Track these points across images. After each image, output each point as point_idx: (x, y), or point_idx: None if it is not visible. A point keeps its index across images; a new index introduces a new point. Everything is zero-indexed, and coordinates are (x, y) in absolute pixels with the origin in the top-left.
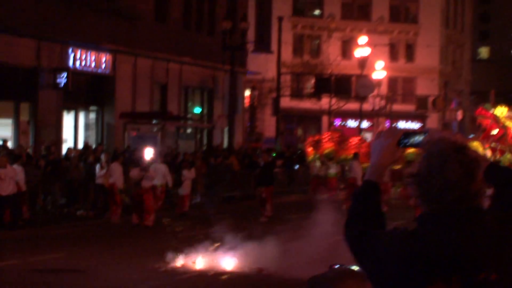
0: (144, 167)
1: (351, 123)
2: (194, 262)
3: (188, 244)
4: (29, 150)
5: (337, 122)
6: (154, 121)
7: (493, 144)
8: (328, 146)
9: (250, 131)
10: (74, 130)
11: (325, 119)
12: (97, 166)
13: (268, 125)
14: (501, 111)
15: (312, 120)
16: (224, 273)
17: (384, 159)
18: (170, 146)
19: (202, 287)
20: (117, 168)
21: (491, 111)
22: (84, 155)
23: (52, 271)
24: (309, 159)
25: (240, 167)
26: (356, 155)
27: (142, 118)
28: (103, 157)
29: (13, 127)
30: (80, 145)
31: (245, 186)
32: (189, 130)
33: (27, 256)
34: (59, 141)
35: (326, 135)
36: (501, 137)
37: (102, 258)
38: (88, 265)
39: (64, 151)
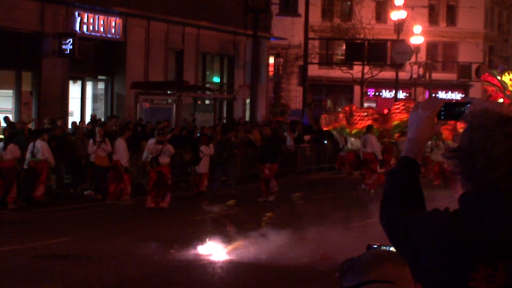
0: (162, 141)
1: (386, 94)
2: (223, 248)
3: (214, 228)
4: (32, 124)
5: (371, 93)
6: (168, 92)
7: None
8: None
9: (275, 102)
10: (81, 101)
11: (357, 89)
12: (90, 142)
13: (294, 96)
14: (509, 78)
15: (342, 90)
16: (249, 261)
17: (423, 133)
18: (186, 119)
19: (230, 276)
20: (121, 144)
21: (498, 78)
22: (92, 130)
23: (57, 257)
24: (335, 130)
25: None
26: (370, 127)
27: (156, 88)
28: (97, 131)
29: (14, 99)
30: (88, 118)
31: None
32: (207, 102)
33: (28, 241)
34: (64, 114)
35: (365, 111)
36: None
37: (112, 243)
38: (97, 251)
39: (70, 125)
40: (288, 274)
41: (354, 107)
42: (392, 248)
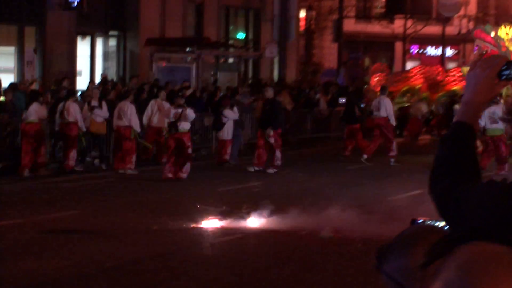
0: (182, 105)
1: (432, 51)
2: (245, 221)
3: (239, 200)
4: (36, 85)
5: (414, 50)
6: (187, 49)
7: None
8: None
9: (306, 61)
10: (90, 60)
11: (398, 46)
12: (85, 106)
13: (328, 53)
14: (505, 32)
15: (382, 47)
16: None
17: (481, 95)
18: (207, 79)
19: (246, 249)
20: (129, 108)
21: (491, 35)
22: (102, 91)
23: (63, 232)
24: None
25: (294, 106)
26: (384, 89)
27: (173, 46)
28: (92, 93)
29: (17, 57)
30: (98, 79)
31: (300, 129)
32: (230, 60)
33: (32, 214)
34: (72, 73)
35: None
36: None
37: (124, 217)
38: (108, 226)
39: (78, 85)
40: (324, 249)
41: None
42: (439, 223)
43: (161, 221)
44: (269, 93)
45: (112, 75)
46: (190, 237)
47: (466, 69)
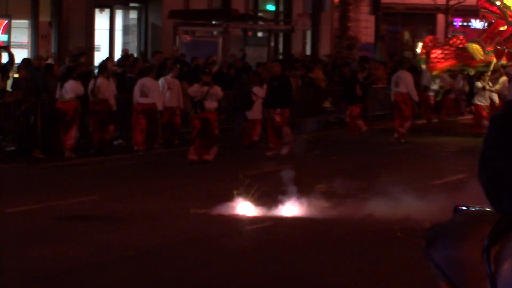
0: (208, 82)
1: (476, 24)
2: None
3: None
4: (51, 60)
5: (457, 23)
6: (213, 22)
7: (498, 46)
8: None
9: (341, 35)
10: (109, 34)
11: (440, 19)
12: (91, 81)
13: (365, 27)
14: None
15: (423, 20)
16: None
17: None
18: (235, 54)
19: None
20: (153, 84)
21: (497, 4)
22: (122, 67)
23: (81, 219)
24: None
25: (328, 83)
26: (402, 62)
27: (198, 18)
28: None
29: (31, 31)
30: (118, 54)
31: (334, 107)
32: (259, 34)
33: (48, 200)
34: (89, 48)
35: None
36: (510, 37)
37: (146, 202)
38: (128, 212)
39: (96, 61)
40: (360, 237)
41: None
42: (486, 208)
43: (184, 207)
44: (276, 68)
45: (133, 50)
46: (215, 224)
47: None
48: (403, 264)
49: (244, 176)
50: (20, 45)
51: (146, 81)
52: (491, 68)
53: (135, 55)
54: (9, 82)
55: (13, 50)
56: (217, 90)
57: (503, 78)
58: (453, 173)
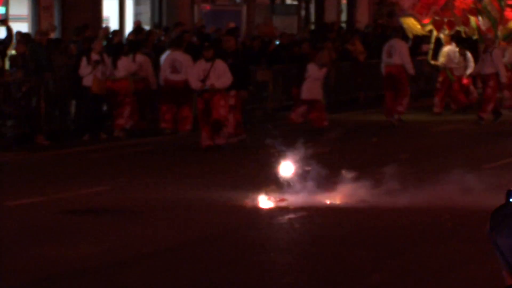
0: (210, 58)
1: None
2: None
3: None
4: (54, 34)
5: None
6: None
7: (436, 17)
8: None
9: (380, 1)
10: (119, 4)
11: None
12: (83, 60)
13: None
14: None
15: None
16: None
17: None
18: (261, 25)
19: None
20: (186, 59)
21: None
22: (134, 42)
23: (91, 212)
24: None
25: (367, 56)
26: (397, 30)
27: None
28: (94, 44)
29: (31, 2)
30: (129, 27)
31: (373, 84)
32: (288, 1)
33: (55, 191)
34: (97, 21)
35: None
36: (446, 5)
37: (162, 193)
38: (143, 204)
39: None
40: (405, 230)
41: None
42: None
43: (205, 197)
44: (231, 42)
45: (146, 21)
46: (240, 216)
47: None
48: (450, 262)
49: (270, 162)
50: (19, 18)
51: (176, 55)
52: (433, 40)
53: (148, 27)
54: (7, 60)
55: (11, 24)
56: (222, 66)
57: (446, 49)
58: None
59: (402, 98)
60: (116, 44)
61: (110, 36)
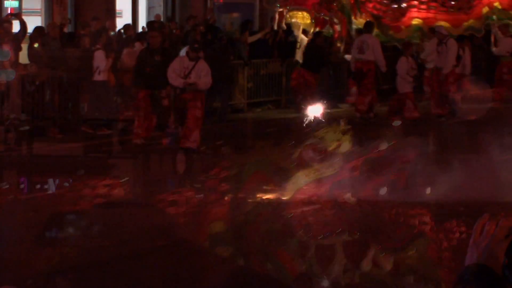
0: (195, 58)
1: None
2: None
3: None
4: (68, 28)
5: None
6: None
7: (317, 14)
8: None
9: None
10: None
11: None
12: (100, 53)
13: None
14: None
15: None
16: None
17: None
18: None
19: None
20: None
21: None
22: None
23: (106, 204)
24: None
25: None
26: (369, 24)
27: None
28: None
29: None
30: (142, 20)
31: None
32: None
33: (69, 183)
34: (110, 13)
35: None
36: (323, 1)
37: (178, 186)
38: (157, 196)
39: (118, 27)
40: (419, 225)
41: None
42: None
43: (222, 190)
44: (157, 39)
45: (160, 14)
46: (253, 209)
47: None
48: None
49: (285, 154)
50: (32, 12)
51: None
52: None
53: (161, 19)
54: (21, 54)
55: (25, 18)
56: (205, 67)
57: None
58: None
59: (364, 96)
60: (127, 37)
61: (122, 30)
